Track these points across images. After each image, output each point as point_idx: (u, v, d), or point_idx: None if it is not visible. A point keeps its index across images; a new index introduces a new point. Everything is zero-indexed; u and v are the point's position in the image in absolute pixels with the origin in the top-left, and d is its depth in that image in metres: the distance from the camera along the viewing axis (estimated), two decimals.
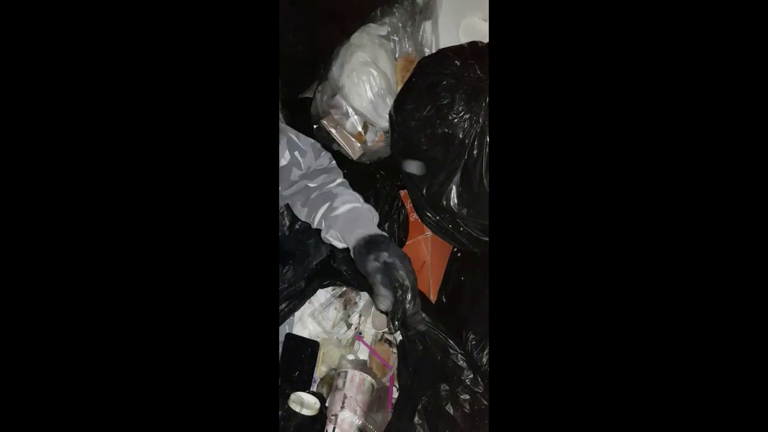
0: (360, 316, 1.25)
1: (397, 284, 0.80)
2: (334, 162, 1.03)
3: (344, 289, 1.25)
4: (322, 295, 1.24)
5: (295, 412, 1.05)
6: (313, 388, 1.15)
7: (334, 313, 1.23)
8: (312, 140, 1.03)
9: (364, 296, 1.24)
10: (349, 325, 1.23)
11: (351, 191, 0.95)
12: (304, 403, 1.05)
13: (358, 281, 1.15)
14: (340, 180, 0.97)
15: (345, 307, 1.25)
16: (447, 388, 0.99)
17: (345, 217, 0.89)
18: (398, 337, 1.18)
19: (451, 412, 0.97)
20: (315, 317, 1.21)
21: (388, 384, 1.16)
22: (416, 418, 0.98)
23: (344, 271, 1.15)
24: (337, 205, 0.90)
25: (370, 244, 0.83)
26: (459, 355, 1.01)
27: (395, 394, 1.14)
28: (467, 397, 0.98)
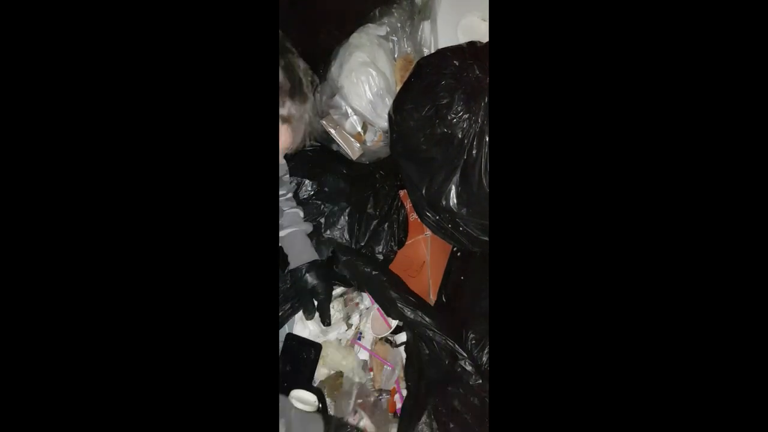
0: (360, 316, 1.25)
1: (328, 295, 1.08)
2: (288, 175, 1.15)
3: (345, 289, 1.25)
4: None
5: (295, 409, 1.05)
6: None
7: (334, 313, 1.23)
8: None
9: (365, 296, 1.24)
10: (349, 326, 1.23)
11: (295, 209, 1.11)
12: (304, 400, 1.06)
13: (359, 282, 1.15)
14: (289, 195, 1.13)
15: (345, 305, 1.25)
16: (453, 389, 0.99)
17: (288, 241, 1.08)
18: (400, 338, 1.18)
19: (457, 410, 0.97)
20: (315, 317, 1.21)
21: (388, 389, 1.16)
22: (423, 419, 0.98)
23: (346, 275, 1.16)
24: (283, 223, 1.08)
25: (311, 268, 1.06)
26: (467, 360, 1.01)
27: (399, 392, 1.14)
28: (471, 398, 0.98)
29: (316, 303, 1.07)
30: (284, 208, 1.10)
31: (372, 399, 1.13)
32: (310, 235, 1.11)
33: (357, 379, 1.18)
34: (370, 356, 1.21)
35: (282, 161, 1.14)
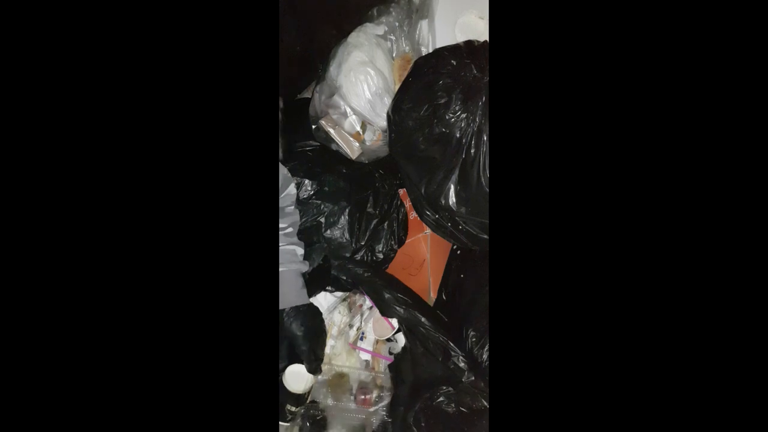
0: (362, 317, 1.26)
1: (312, 345, 0.99)
2: (293, 206, 1.09)
3: (347, 293, 1.26)
4: (325, 299, 1.25)
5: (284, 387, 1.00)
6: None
7: (338, 317, 1.24)
8: (285, 170, 1.10)
9: (367, 298, 1.25)
10: (350, 326, 1.24)
11: (293, 245, 1.04)
12: (299, 375, 1.00)
13: (358, 286, 1.16)
14: (290, 230, 1.06)
15: (350, 310, 1.26)
16: (447, 388, 1.00)
17: (280, 279, 1.00)
18: (400, 339, 1.19)
19: (451, 411, 0.97)
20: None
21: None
22: (414, 418, 0.98)
23: (342, 279, 1.16)
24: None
25: (296, 314, 0.99)
26: (460, 357, 1.01)
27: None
28: (466, 396, 0.98)
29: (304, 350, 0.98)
30: (280, 243, 1.02)
31: (374, 396, 1.14)
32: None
33: (360, 378, 1.19)
34: (373, 356, 1.22)
35: (293, 191, 1.09)
